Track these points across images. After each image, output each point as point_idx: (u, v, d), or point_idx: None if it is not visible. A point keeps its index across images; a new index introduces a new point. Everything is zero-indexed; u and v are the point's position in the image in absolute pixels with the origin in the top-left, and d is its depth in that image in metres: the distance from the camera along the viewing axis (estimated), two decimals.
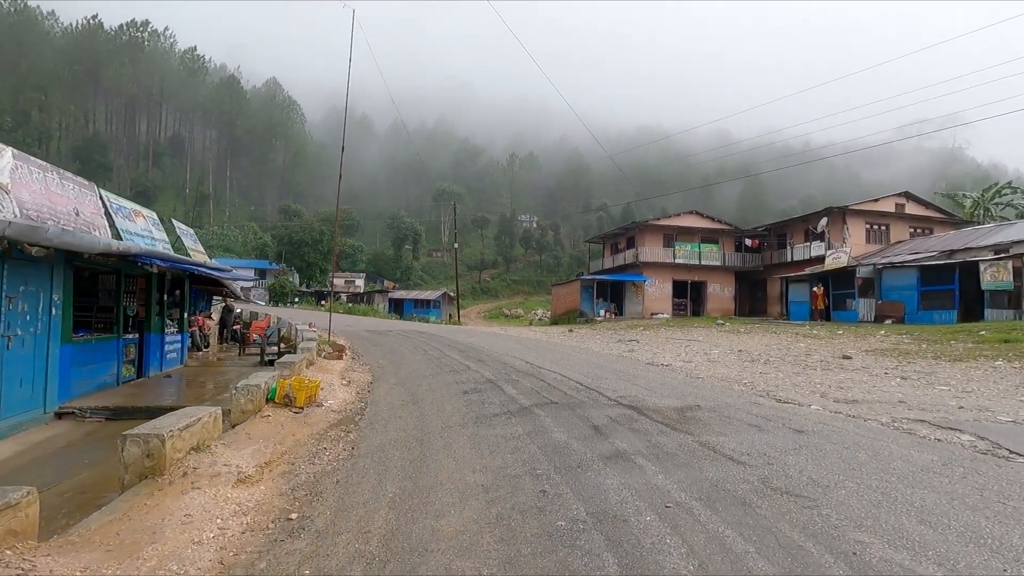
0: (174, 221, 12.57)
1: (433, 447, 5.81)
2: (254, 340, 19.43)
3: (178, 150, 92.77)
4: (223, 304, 20.84)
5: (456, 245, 42.55)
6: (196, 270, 9.18)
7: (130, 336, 10.92)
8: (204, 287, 20.23)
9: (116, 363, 10.05)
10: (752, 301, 38.08)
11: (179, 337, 13.50)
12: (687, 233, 36.38)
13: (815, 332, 20.37)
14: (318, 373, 10.62)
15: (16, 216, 6.03)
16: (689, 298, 36.30)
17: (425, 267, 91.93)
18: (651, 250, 35.42)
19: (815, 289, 26.23)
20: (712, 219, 37.97)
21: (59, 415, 8.09)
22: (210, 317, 19.02)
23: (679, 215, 37.45)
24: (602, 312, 33.86)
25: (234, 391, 7.13)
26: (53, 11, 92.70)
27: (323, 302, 52.12)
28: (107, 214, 8.48)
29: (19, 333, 7.21)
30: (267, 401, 7.48)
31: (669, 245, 36.06)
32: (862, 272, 24.63)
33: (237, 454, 5.39)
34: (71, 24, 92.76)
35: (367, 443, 6.02)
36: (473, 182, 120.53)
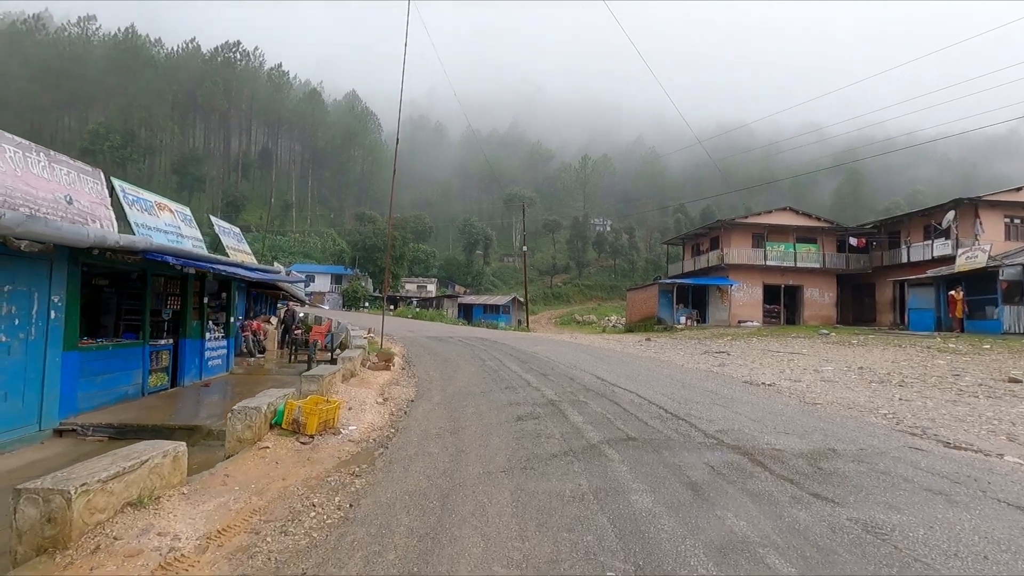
0: (213, 218, 11.83)
1: (459, 510, 4.10)
2: (316, 344, 18.72)
3: (265, 162, 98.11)
4: (284, 308, 20.41)
5: (525, 249, 40.99)
6: (216, 268, 8.10)
7: (163, 342, 10.09)
8: (264, 291, 19.86)
9: (141, 372, 9.18)
10: (858, 308, 33.67)
11: (224, 343, 12.72)
12: (780, 232, 32.72)
13: (953, 346, 16.86)
14: (355, 388, 9.27)
15: None
16: (783, 304, 32.58)
17: (496, 272, 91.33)
18: (738, 251, 32.11)
19: (952, 293, 22.18)
20: (809, 216, 33.98)
21: (60, 432, 7.15)
22: (268, 321, 18.51)
23: (770, 212, 33.79)
24: (683, 319, 31.02)
25: (230, 416, 5.79)
26: (160, 38, 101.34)
27: (391, 307, 52.34)
28: (116, 205, 7.55)
29: (3, 339, 6.26)
30: (272, 427, 6.10)
31: (759, 246, 32.57)
32: (1007, 274, 20.47)
33: (190, 512, 3.93)
34: (173, 49, 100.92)
35: (373, 498, 4.41)
36: (545, 186, 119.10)
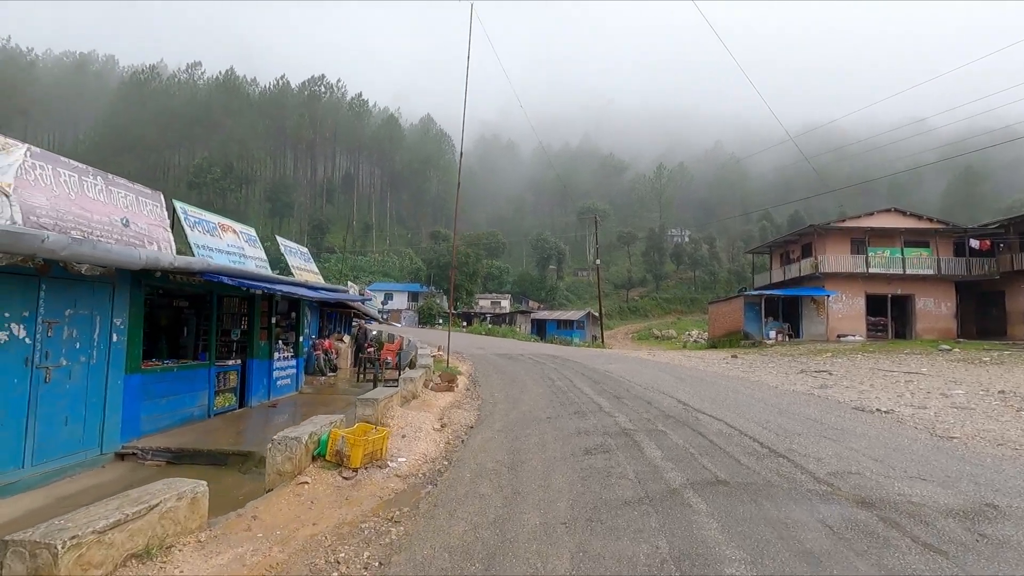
0: (279, 238, 11.95)
1: None
2: (384, 363, 18.70)
3: (347, 186, 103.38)
4: (356, 327, 20.64)
5: (598, 262, 39.79)
6: (272, 288, 7.93)
7: (231, 363, 10.13)
8: (336, 309, 20.17)
9: (207, 393, 9.18)
10: (983, 319, 29.59)
11: (293, 362, 12.76)
12: (883, 236, 29.46)
13: None
14: (414, 411, 8.77)
15: (14, 222, 4.91)
16: (890, 316, 29.21)
17: (570, 287, 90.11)
18: (835, 258, 29.22)
19: None
20: (918, 217, 30.38)
21: (122, 456, 7.11)
22: (341, 340, 18.70)
23: (871, 214, 30.55)
24: (772, 334, 28.56)
25: (270, 447, 5.38)
26: (255, 78, 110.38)
27: (464, 323, 52.62)
28: (176, 227, 7.57)
29: (64, 363, 6.25)
30: (315, 458, 5.63)
31: (859, 252, 29.48)
32: None
33: (201, 567, 3.44)
34: (266, 86, 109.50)
35: (407, 554, 3.74)
36: (619, 198, 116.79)
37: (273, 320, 11.67)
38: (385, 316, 50.42)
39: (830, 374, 14.97)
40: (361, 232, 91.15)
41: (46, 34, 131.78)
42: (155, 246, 6.89)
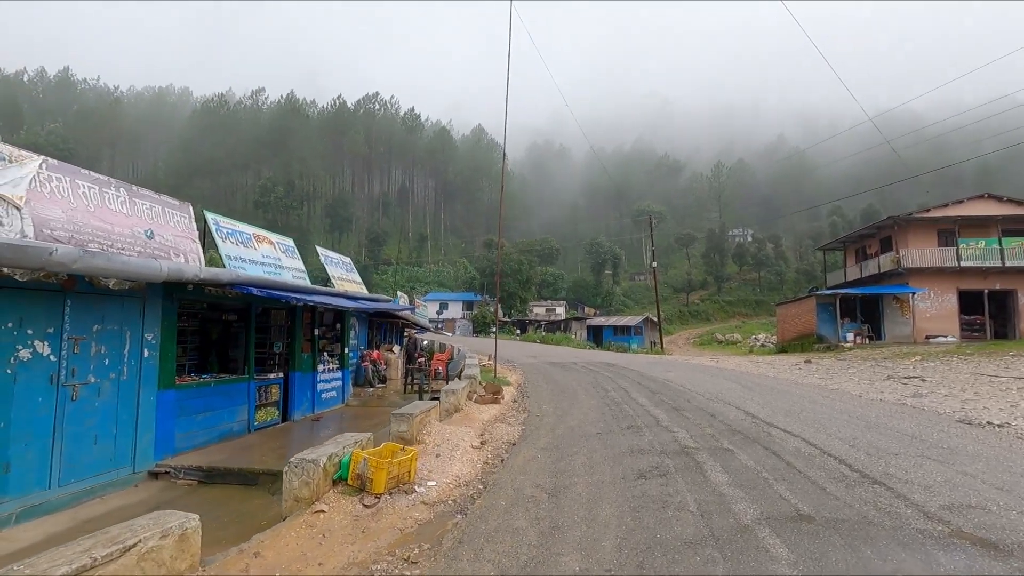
0: (318, 248, 11.79)
1: None
2: (436, 373, 18.43)
3: (403, 199, 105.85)
4: (407, 337, 20.51)
5: (655, 264, 38.28)
6: (306, 299, 7.61)
7: (272, 376, 9.98)
8: (385, 320, 20.09)
9: (246, 407, 9.02)
10: None
11: (339, 375, 12.57)
12: (976, 225, 26.57)
13: None
14: (454, 426, 8.23)
15: (24, 236, 4.73)
16: (987, 314, 26.25)
17: (627, 292, 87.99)
18: (919, 251, 26.60)
19: None
20: (1018, 203, 27.18)
21: (155, 474, 6.94)
22: (391, 350, 18.55)
23: (961, 202, 27.62)
24: (850, 336, 26.28)
25: (286, 470, 4.94)
26: (314, 99, 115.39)
27: (518, 331, 52.11)
28: (205, 239, 7.40)
29: (92, 380, 6.11)
30: (336, 482, 5.15)
31: (948, 243, 26.71)
32: None
33: None
34: (324, 106, 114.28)
35: None
36: (676, 199, 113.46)
37: (316, 332, 11.50)
38: (440, 326, 50.70)
39: (923, 380, 13.30)
40: (417, 243, 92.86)
41: (130, 71, 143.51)
42: (182, 258, 6.70)
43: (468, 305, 63.74)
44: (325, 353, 12.33)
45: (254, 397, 9.27)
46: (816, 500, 4.69)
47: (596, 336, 51.37)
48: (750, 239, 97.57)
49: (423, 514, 4.77)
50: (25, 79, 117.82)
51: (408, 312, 19.20)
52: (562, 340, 38.18)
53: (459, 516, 4.72)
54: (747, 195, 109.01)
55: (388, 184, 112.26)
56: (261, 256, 8.84)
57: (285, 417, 10.32)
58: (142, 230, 6.21)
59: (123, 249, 5.86)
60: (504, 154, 12.88)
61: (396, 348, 18.93)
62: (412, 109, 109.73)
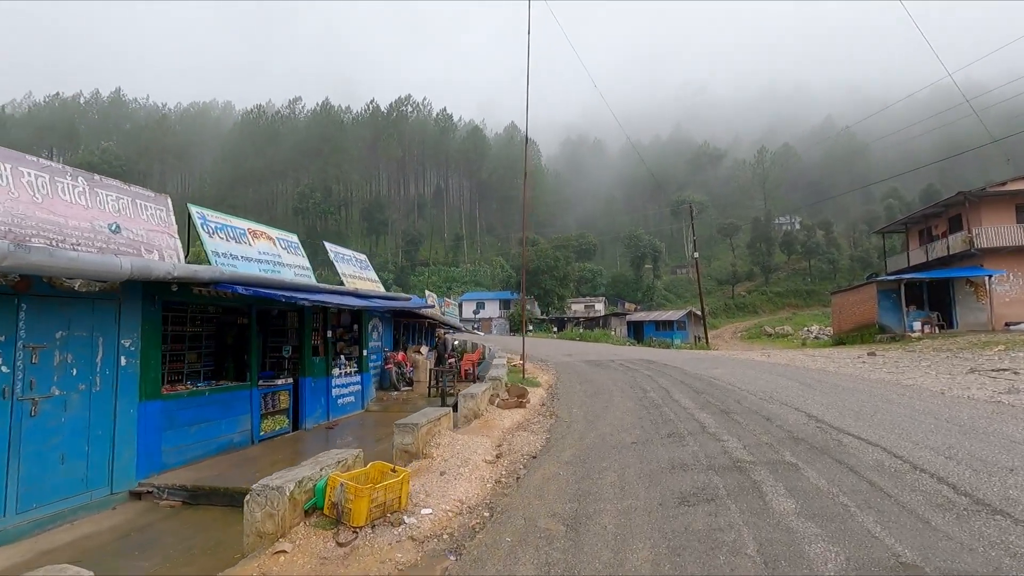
0: (327, 244, 11.06)
1: None
2: (467, 373, 17.66)
3: (438, 200, 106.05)
4: (437, 338, 19.77)
5: (696, 255, 36.43)
6: (296, 297, 6.83)
7: (280, 383, 9.31)
8: (412, 320, 19.40)
9: (248, 417, 8.35)
10: None
11: (358, 379, 11.88)
12: None
13: None
14: (469, 435, 7.32)
15: None
16: None
17: (668, 286, 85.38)
18: (995, 229, 24.06)
19: None
20: None
21: (138, 495, 6.29)
22: (419, 352, 17.83)
23: None
24: (916, 325, 24.01)
25: (248, 499, 4.12)
26: (348, 106, 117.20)
27: (555, 329, 50.91)
28: (189, 233, 6.73)
29: (56, 393, 5.48)
30: (308, 512, 4.30)
31: None
32: None
33: None
34: (358, 112, 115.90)
35: None
36: (717, 188, 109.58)
37: (330, 334, 10.82)
38: (476, 325, 50.10)
39: (1015, 373, 11.55)
40: (453, 243, 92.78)
41: (176, 88, 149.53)
42: (155, 254, 6.02)
43: (505, 304, 62.96)
44: (342, 356, 11.65)
45: (258, 405, 8.60)
46: (920, 540, 3.53)
47: (637, 332, 49.66)
48: (798, 227, 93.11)
49: (408, 555, 3.86)
50: (81, 101, 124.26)
51: (432, 310, 18.46)
52: (601, 337, 36.82)
53: (452, 558, 3.78)
54: (793, 181, 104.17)
55: (424, 186, 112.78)
56: (257, 253, 8.15)
57: (296, 425, 9.66)
58: (105, 223, 5.54)
59: (79, 244, 5.19)
60: (526, 136, 11.90)
61: (424, 349, 18.21)
62: (444, 109, 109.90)
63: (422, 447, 6.41)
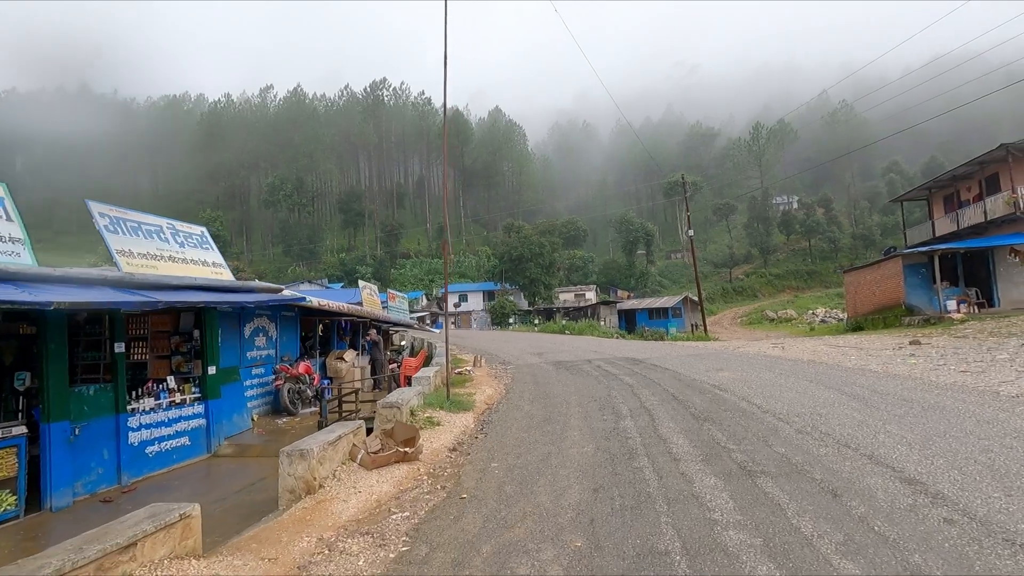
0: (88, 202, 6.89)
1: None
2: (408, 381, 13.65)
3: (420, 190, 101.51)
4: (368, 339, 15.94)
5: (690, 233, 32.56)
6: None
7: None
8: (348, 319, 15.58)
9: None
10: None
11: (200, 409, 8.08)
12: None
13: None
14: (236, 555, 3.50)
15: None
16: None
17: (662, 271, 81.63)
18: None
19: None
20: None
21: None
22: (341, 359, 14.01)
23: None
24: (951, 304, 20.33)
25: None
26: (324, 94, 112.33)
27: (537, 320, 47.09)
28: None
29: None
30: None
31: None
32: None
33: None
34: (332, 99, 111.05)
35: None
36: (711, 168, 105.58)
37: (118, 349, 6.99)
38: (455, 320, 46.21)
39: None
40: (436, 234, 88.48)
41: (146, 81, 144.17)
42: None
43: (490, 296, 59.11)
44: (169, 379, 7.84)
45: None
46: None
47: (629, 321, 45.92)
48: (796, 205, 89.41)
49: None
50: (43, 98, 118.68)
51: (352, 306, 14.67)
52: (586, 329, 33.00)
53: None
54: (790, 159, 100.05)
55: (405, 175, 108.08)
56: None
57: (39, 503, 5.86)
58: None
59: None
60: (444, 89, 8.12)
61: (349, 355, 14.40)
62: (423, 93, 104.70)
63: None
